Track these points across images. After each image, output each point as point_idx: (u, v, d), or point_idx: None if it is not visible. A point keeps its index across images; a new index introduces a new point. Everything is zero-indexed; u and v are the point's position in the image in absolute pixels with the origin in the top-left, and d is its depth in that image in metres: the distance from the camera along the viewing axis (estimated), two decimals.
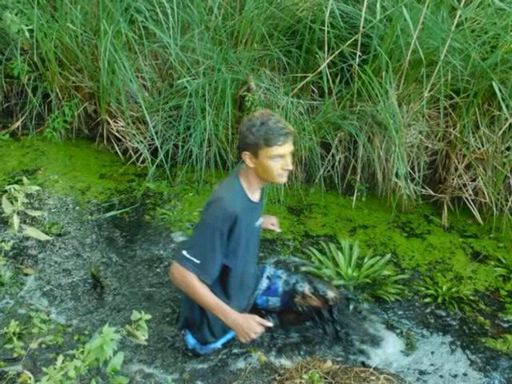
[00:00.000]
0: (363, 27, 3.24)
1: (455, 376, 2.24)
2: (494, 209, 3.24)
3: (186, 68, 3.50)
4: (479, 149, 3.35)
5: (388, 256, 2.86)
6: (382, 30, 3.31)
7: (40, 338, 2.15)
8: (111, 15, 3.49)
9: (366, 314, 2.52)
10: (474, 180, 3.41)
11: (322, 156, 3.57)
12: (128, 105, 3.66)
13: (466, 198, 3.41)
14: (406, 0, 3.06)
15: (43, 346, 2.15)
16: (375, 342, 2.36)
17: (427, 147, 3.52)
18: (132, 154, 3.74)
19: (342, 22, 3.33)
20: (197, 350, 2.20)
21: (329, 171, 3.62)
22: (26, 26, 3.54)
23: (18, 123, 4.04)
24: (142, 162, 3.69)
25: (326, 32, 3.29)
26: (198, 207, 3.26)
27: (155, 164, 3.51)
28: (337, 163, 3.59)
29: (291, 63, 3.61)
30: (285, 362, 2.20)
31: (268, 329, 2.11)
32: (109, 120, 3.78)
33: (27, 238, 2.88)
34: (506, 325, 2.55)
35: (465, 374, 2.25)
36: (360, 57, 3.28)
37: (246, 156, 1.95)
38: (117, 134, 3.80)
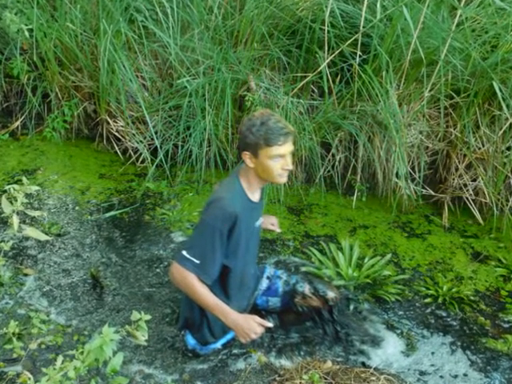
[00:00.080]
0: (363, 27, 3.24)
1: (456, 376, 2.23)
2: (495, 209, 3.23)
3: (186, 68, 3.50)
4: (480, 149, 3.35)
5: (388, 256, 2.86)
6: (382, 30, 3.31)
7: (39, 338, 2.14)
8: (111, 15, 3.49)
9: (366, 314, 2.52)
10: (474, 180, 3.41)
11: (322, 156, 3.57)
12: (128, 104, 3.66)
13: (467, 198, 3.40)
14: None
15: (43, 346, 2.15)
16: (375, 342, 2.35)
17: (427, 147, 3.52)
18: (132, 153, 3.74)
19: (342, 22, 3.33)
20: (197, 350, 2.19)
21: (329, 171, 3.61)
22: (26, 25, 3.53)
23: (18, 123, 4.03)
24: (142, 161, 3.68)
25: (326, 31, 3.29)
26: (198, 207, 3.25)
27: (155, 164, 3.51)
28: (337, 163, 3.58)
29: (291, 63, 3.61)
30: (285, 362, 2.20)
31: (268, 329, 2.10)
32: (108, 120, 3.77)
33: (27, 238, 2.87)
34: (506, 325, 2.55)
35: (465, 375, 2.24)
36: (360, 56, 3.28)
37: (246, 156, 1.95)
38: (116, 133, 3.80)
